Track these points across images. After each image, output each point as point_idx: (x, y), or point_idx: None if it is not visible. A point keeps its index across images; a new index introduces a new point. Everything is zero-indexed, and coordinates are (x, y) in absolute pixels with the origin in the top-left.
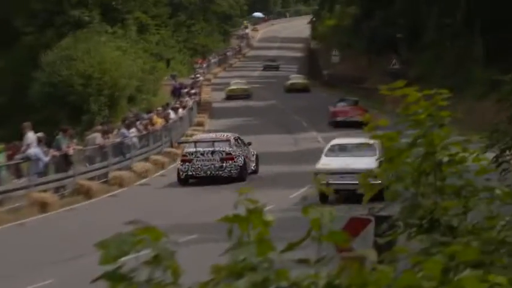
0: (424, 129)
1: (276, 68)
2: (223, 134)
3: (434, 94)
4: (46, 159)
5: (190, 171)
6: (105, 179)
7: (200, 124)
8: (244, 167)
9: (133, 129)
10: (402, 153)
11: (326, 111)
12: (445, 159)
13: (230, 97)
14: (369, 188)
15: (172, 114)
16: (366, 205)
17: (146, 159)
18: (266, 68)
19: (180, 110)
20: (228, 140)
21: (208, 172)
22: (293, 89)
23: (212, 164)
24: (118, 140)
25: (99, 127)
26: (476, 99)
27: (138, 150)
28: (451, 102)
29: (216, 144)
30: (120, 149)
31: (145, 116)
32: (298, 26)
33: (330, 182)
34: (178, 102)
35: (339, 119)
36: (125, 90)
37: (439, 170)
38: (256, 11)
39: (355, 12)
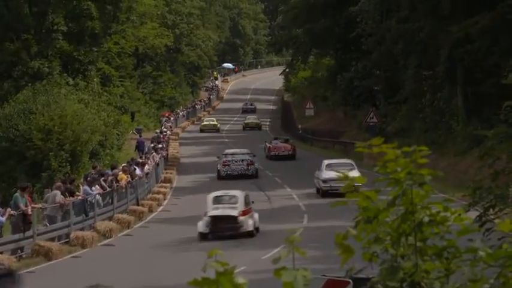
0: (403, 187)
1: (253, 111)
2: (246, 150)
3: (413, 151)
4: (3, 219)
5: (229, 171)
6: (66, 240)
7: (168, 181)
8: (257, 169)
9: (96, 186)
10: (380, 213)
11: (303, 166)
12: (426, 219)
13: (203, 131)
14: (345, 249)
15: (138, 171)
16: (343, 266)
17: (110, 218)
18: (244, 111)
19: (147, 166)
20: (250, 153)
21: (240, 172)
22: (247, 127)
23: (242, 167)
24: (80, 197)
25: (59, 184)
26: (458, 155)
27: (102, 209)
28: (431, 158)
29: (243, 155)
30: (83, 208)
31: (109, 172)
32: (271, 77)
33: (333, 185)
34: (144, 158)
35: (272, 153)
36: (87, 145)
37: (420, 231)
38: (227, 62)
39: (330, 63)
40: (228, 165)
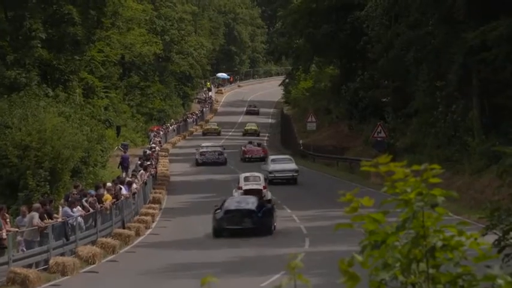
0: (414, 209)
1: (257, 113)
2: (219, 144)
3: (425, 170)
4: None
5: (204, 160)
6: (44, 266)
7: (157, 201)
8: (226, 158)
9: (78, 208)
10: (389, 237)
11: (304, 185)
12: (439, 243)
13: (205, 134)
14: (351, 277)
15: (124, 190)
16: None
17: (93, 243)
18: (248, 112)
19: (134, 185)
20: (221, 146)
21: (213, 160)
22: (247, 133)
23: (214, 156)
24: (60, 220)
25: (37, 205)
26: (474, 173)
27: (84, 232)
28: (445, 177)
29: (215, 148)
30: (63, 231)
31: (92, 192)
32: (269, 88)
33: (277, 175)
34: (130, 176)
35: (246, 156)
36: (68, 162)
37: (432, 256)
38: (221, 71)
39: (334, 72)
40: (204, 155)
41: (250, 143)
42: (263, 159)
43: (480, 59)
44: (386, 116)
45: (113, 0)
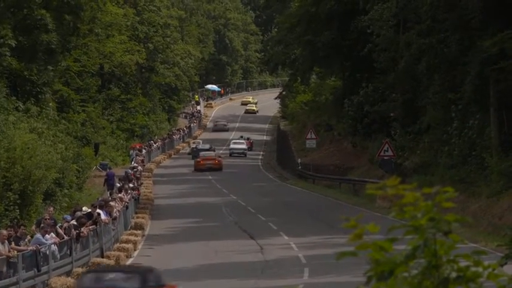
0: (425, 236)
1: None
2: (224, 120)
3: (437, 193)
4: None
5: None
6: None
7: (139, 227)
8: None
9: (51, 234)
10: (397, 267)
11: (303, 209)
12: (453, 274)
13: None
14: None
15: (103, 215)
16: None
17: (68, 274)
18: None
19: (115, 209)
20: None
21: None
22: (248, 112)
23: (221, 126)
24: (31, 248)
25: (5, 231)
26: (491, 196)
27: (58, 262)
28: (459, 200)
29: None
30: (34, 260)
31: (67, 217)
32: (264, 102)
33: (234, 151)
34: (111, 198)
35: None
36: (40, 184)
37: None
38: (211, 83)
39: (336, 84)
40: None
41: (241, 137)
42: (249, 149)
43: (498, 68)
44: (394, 132)
45: (91, 4)
